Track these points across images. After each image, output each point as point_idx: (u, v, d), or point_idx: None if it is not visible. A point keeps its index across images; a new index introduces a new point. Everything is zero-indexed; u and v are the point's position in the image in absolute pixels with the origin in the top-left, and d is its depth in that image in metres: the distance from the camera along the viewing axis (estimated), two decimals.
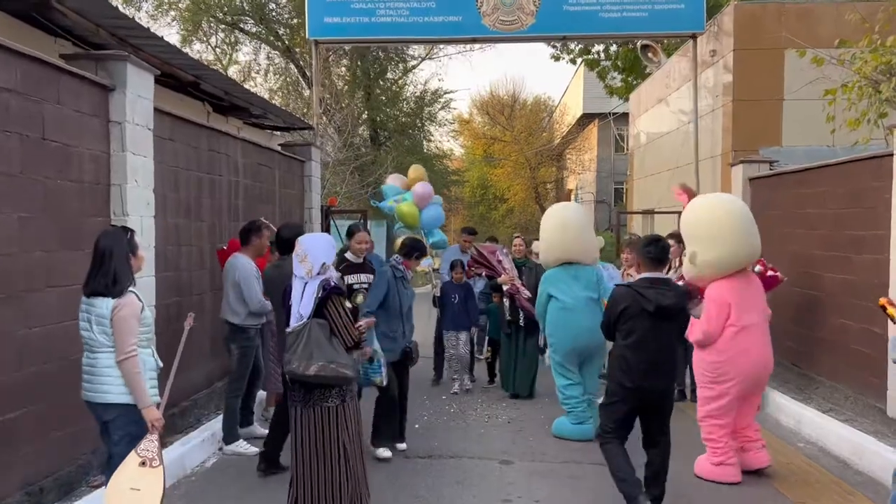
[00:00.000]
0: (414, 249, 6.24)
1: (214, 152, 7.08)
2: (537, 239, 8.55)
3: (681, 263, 7.82)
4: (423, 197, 8.96)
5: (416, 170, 9.66)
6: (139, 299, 3.75)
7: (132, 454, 3.60)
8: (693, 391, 7.67)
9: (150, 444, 3.66)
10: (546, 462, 5.82)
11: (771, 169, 9.28)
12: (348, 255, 6.44)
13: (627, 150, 18.42)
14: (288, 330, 4.01)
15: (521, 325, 7.86)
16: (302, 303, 3.97)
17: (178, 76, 7.26)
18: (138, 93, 5.33)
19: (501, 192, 39.91)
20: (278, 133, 12.28)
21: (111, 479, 3.62)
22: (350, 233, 6.70)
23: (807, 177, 7.76)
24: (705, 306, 5.00)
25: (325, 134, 22.72)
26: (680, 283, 7.39)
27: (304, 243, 4.09)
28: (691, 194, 5.52)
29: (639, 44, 16.68)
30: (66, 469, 4.59)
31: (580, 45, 23.56)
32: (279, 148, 9.66)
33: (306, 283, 3.99)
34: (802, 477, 5.39)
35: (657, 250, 4.60)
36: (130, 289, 3.74)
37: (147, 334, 3.82)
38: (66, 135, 4.68)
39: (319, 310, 3.95)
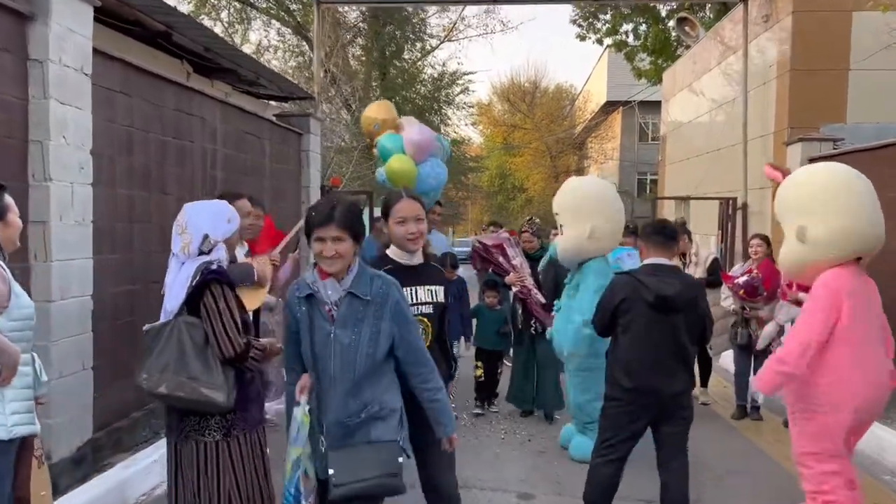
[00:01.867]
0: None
1: (184, 113, 5.96)
2: (554, 227, 7.37)
3: (686, 259, 6.86)
4: (421, 146, 6.25)
5: (379, 107, 6.98)
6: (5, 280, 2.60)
7: None
8: (756, 408, 6.57)
9: None
10: (576, 498, 4.65)
11: (835, 148, 8.04)
12: (392, 250, 3.40)
13: (660, 132, 17.16)
14: (145, 328, 2.93)
15: (536, 332, 6.38)
16: (172, 292, 2.88)
17: (143, 22, 6.14)
18: (69, 25, 4.21)
19: (521, 182, 38.83)
20: (276, 105, 11.14)
21: None
22: (386, 207, 3.36)
23: (883, 154, 6.51)
24: (809, 306, 3.65)
25: (337, 117, 21.72)
26: (744, 277, 6.27)
27: (187, 210, 3.02)
28: (786, 173, 4.26)
29: (675, 18, 15.42)
30: None
31: (607, 25, 22.39)
32: (273, 117, 8.55)
33: (183, 264, 2.90)
34: None
35: (662, 234, 4.03)
36: None
37: (22, 332, 2.68)
38: None
39: (194, 303, 2.84)
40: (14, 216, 2.78)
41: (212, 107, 6.50)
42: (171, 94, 5.76)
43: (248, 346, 2.87)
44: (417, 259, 3.28)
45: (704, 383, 6.99)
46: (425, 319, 3.20)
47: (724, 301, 6.59)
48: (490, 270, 6.78)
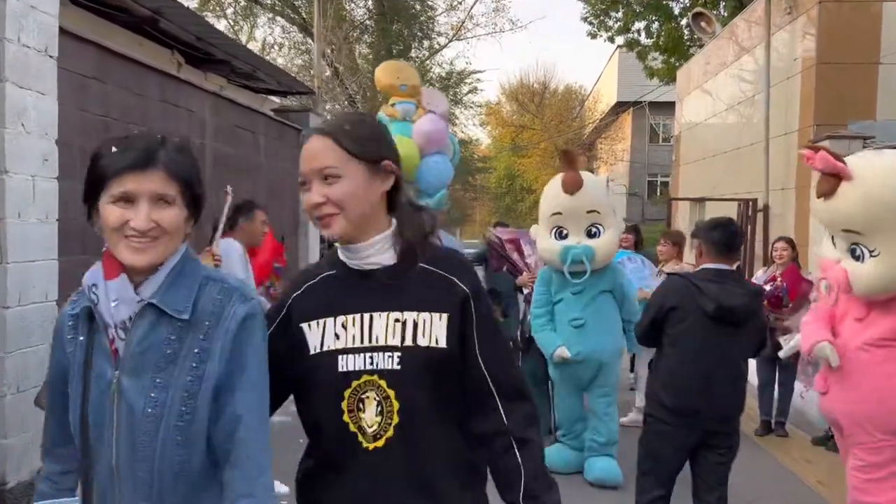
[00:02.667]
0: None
1: (170, 104, 5.55)
2: None
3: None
4: (431, 137, 5.33)
5: (397, 70, 5.61)
6: None
7: None
8: (782, 423, 6.11)
9: None
10: None
11: (865, 147, 7.54)
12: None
13: (671, 134, 16.70)
14: None
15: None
16: None
17: (128, 7, 5.74)
18: (29, 2, 3.79)
19: (529, 183, 38.41)
20: (278, 100, 10.74)
21: None
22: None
23: None
24: None
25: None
26: (768, 286, 5.79)
27: None
28: (833, 157, 2.99)
29: (689, 14, 14.95)
30: None
31: (619, 23, 21.94)
32: (270, 112, 8.14)
33: None
34: None
35: (726, 235, 3.46)
36: None
37: None
38: None
39: None
40: None
41: (201, 98, 6.10)
42: (154, 83, 5.35)
43: None
44: (383, 256, 1.59)
45: None
46: (382, 383, 1.53)
47: None
48: (504, 269, 6.12)
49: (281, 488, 4.62)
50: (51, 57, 3.98)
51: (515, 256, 5.92)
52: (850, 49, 8.26)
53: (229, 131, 6.64)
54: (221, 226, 4.07)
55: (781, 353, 5.34)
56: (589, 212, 4.63)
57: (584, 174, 4.77)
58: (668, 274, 4.01)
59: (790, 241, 6.10)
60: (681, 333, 3.39)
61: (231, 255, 4.21)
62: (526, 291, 5.69)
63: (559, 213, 4.64)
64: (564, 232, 4.60)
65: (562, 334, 4.70)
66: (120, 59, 4.87)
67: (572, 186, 4.54)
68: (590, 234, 4.60)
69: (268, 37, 23.37)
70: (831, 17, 8.26)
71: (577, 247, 4.53)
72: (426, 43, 24.31)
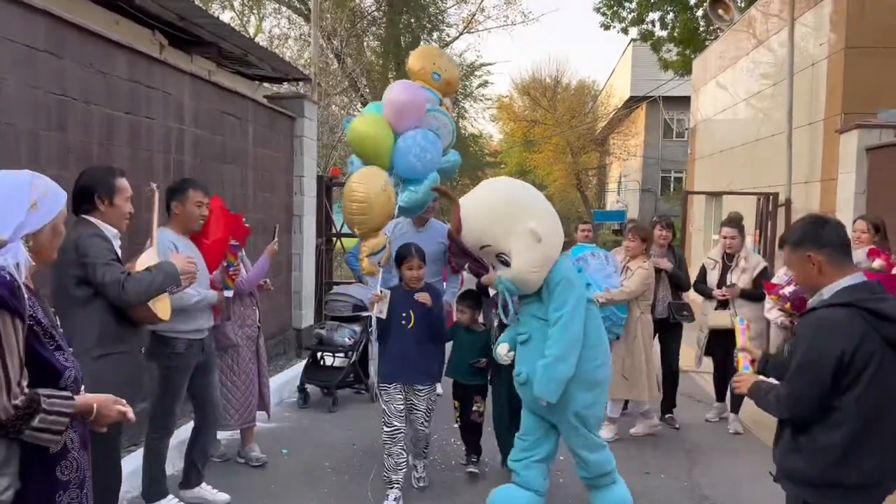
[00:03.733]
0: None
1: (140, 85, 5.09)
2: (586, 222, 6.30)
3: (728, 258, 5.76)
4: (403, 108, 4.27)
5: (436, 56, 4.82)
6: None
7: None
8: None
9: None
10: None
11: None
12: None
13: (688, 127, 16.18)
14: None
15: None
16: None
17: None
18: None
19: (541, 179, 37.88)
20: (274, 88, 10.28)
21: None
22: None
23: None
24: None
25: (350, 105, 20.91)
26: (791, 287, 5.24)
27: None
28: None
29: (706, 2, 14.38)
30: None
31: (633, 13, 21.40)
32: (261, 98, 7.67)
33: None
34: None
35: (838, 231, 2.49)
36: None
37: None
38: None
39: None
40: None
41: (179, 80, 5.63)
42: (122, 60, 4.88)
43: (24, 408, 1.86)
44: None
45: (736, 409, 5.92)
46: None
47: (767, 312, 5.51)
48: (466, 267, 5.19)
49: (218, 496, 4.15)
50: None
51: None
52: (880, 33, 7.70)
53: (213, 117, 6.18)
54: (155, 222, 3.60)
55: None
56: (482, 248, 3.87)
57: (466, 202, 3.89)
58: (823, 306, 2.46)
59: None
60: (869, 380, 2.34)
61: (160, 245, 3.63)
62: (493, 293, 4.54)
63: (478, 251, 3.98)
64: (493, 265, 3.98)
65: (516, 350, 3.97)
66: (79, 32, 4.41)
67: (456, 231, 3.90)
68: (505, 263, 3.80)
69: (274, 28, 22.86)
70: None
71: (500, 281, 3.84)
72: (436, 35, 23.80)
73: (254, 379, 4.92)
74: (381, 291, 4.27)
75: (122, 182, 3.27)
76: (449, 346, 4.75)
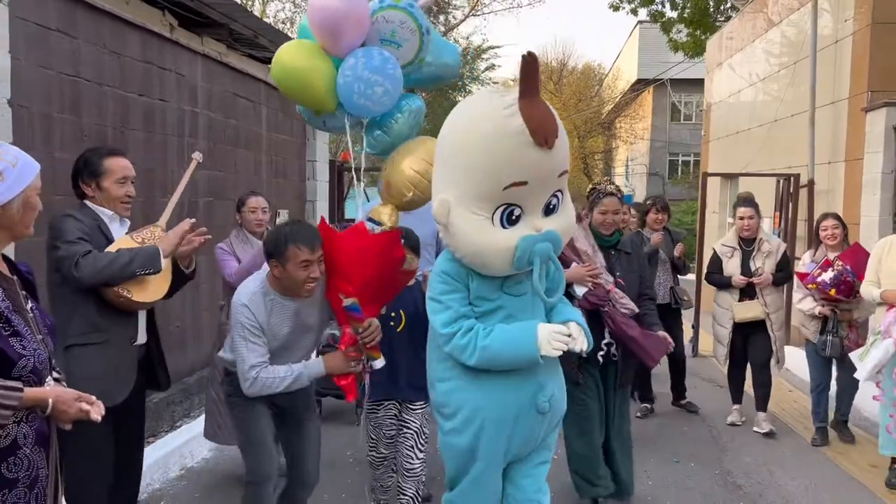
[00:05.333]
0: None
1: (154, 66, 4.96)
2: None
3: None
4: (332, 22, 2.97)
5: None
6: None
7: None
8: (845, 421, 5.37)
9: None
10: None
11: None
12: None
13: (703, 105, 15.99)
14: None
15: (607, 358, 3.87)
16: None
17: None
18: None
19: None
20: None
21: None
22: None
23: None
24: None
25: None
26: (830, 272, 5.07)
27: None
28: None
29: None
30: None
31: None
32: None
33: None
34: None
35: None
36: None
37: None
38: None
39: None
40: None
41: (191, 61, 5.50)
42: (136, 40, 4.76)
43: None
44: None
45: (763, 406, 5.50)
46: None
47: (799, 303, 5.27)
48: None
49: None
50: (0, 3, 3.39)
51: None
52: None
53: (226, 99, 6.04)
54: (176, 195, 3.21)
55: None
56: (560, 174, 2.63)
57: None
58: None
59: (839, 219, 5.27)
60: None
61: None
62: (581, 292, 3.87)
63: (522, 184, 2.51)
64: (517, 213, 2.58)
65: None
66: (91, 11, 4.27)
67: (550, 134, 2.47)
68: (548, 210, 2.65)
69: (279, 13, 22.57)
70: None
71: (540, 237, 2.57)
72: (442, 18, 23.55)
73: None
74: None
75: (113, 162, 2.94)
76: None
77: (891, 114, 6.92)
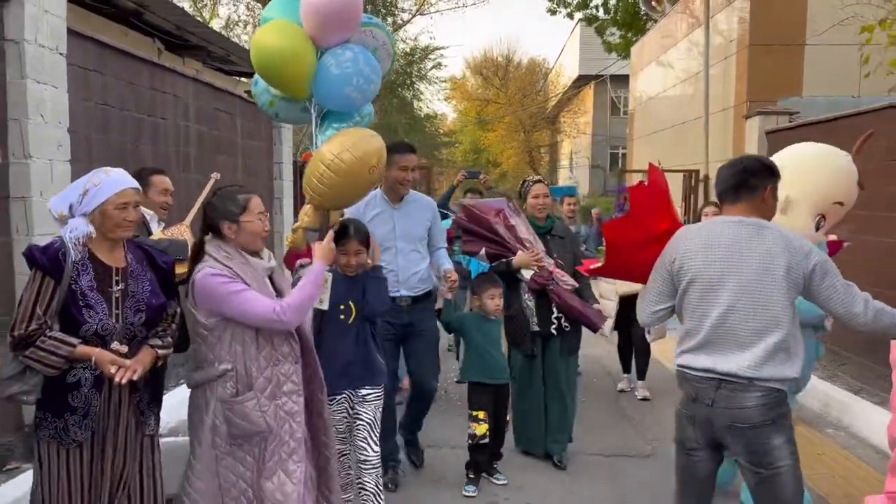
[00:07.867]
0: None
1: (158, 91, 6.09)
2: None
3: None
4: (335, 11, 3.11)
5: None
6: None
7: None
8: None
9: None
10: None
11: (791, 121, 8.35)
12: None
13: (628, 108, 17.41)
14: None
15: (560, 330, 4.45)
16: None
17: (116, 3, 6.24)
18: (43, 6, 4.32)
19: (495, 157, 38.93)
20: (246, 80, 11.22)
21: None
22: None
23: (837, 127, 6.80)
24: None
25: None
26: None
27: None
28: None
29: None
30: None
31: None
32: (245, 93, 8.66)
33: None
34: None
35: None
36: None
37: None
38: None
39: None
40: None
41: (184, 84, 6.62)
42: (144, 71, 5.88)
43: (26, 335, 2.37)
44: None
45: (642, 375, 6.22)
46: None
47: None
48: (482, 252, 4.55)
49: None
50: (61, 54, 4.52)
51: (503, 232, 4.44)
52: (779, 31, 9.02)
53: (210, 114, 7.18)
54: (197, 205, 3.97)
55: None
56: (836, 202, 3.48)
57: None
58: None
59: (718, 206, 6.59)
60: None
61: None
62: (528, 275, 4.39)
63: (840, 204, 3.43)
64: (822, 224, 3.46)
65: None
66: (114, 52, 5.40)
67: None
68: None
69: (232, 14, 23.34)
70: (762, 1, 9.01)
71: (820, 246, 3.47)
72: (390, 20, 24.55)
73: None
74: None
75: (156, 178, 4.02)
76: (446, 346, 4.41)
77: (763, 121, 8.42)
